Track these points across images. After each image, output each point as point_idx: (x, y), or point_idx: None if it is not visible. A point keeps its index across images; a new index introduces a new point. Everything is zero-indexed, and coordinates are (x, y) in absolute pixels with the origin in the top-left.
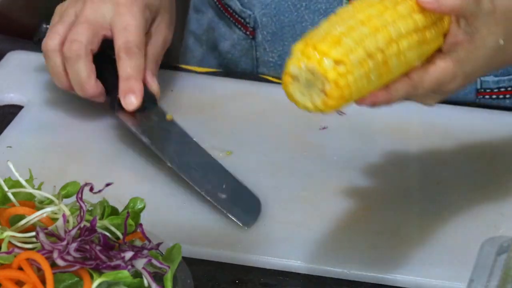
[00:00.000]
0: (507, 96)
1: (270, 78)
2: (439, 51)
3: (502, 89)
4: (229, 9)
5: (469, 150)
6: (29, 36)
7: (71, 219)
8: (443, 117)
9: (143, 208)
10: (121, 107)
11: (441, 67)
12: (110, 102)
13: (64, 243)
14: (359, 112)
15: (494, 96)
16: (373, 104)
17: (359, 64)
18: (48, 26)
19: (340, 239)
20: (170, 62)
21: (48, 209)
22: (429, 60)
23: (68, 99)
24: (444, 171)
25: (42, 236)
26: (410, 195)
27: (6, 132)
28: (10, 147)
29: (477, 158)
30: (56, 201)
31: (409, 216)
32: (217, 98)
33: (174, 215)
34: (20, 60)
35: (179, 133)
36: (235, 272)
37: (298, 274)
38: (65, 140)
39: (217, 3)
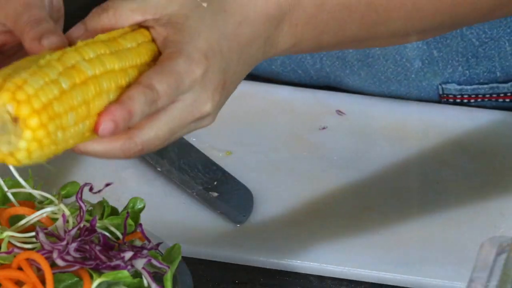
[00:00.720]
0: (472, 101)
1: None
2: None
3: (465, 96)
4: None
5: (469, 150)
6: None
7: (71, 219)
8: (443, 117)
9: (143, 208)
10: None
11: (166, 54)
12: None
13: (64, 243)
14: (359, 112)
15: (458, 101)
16: (116, 125)
17: (40, 80)
18: None
19: (340, 238)
20: None
21: (48, 209)
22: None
23: None
24: (444, 171)
25: (42, 236)
26: (410, 195)
27: None
28: None
29: (477, 158)
30: (56, 201)
31: (409, 216)
32: None
33: (174, 215)
34: None
35: None
36: (235, 272)
37: (298, 274)
38: None
39: None
